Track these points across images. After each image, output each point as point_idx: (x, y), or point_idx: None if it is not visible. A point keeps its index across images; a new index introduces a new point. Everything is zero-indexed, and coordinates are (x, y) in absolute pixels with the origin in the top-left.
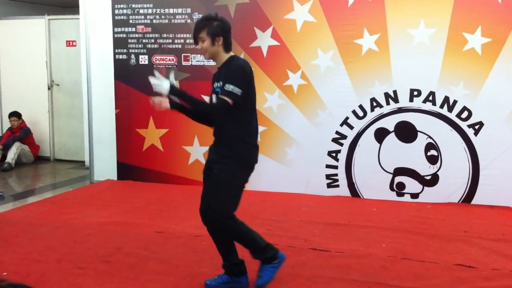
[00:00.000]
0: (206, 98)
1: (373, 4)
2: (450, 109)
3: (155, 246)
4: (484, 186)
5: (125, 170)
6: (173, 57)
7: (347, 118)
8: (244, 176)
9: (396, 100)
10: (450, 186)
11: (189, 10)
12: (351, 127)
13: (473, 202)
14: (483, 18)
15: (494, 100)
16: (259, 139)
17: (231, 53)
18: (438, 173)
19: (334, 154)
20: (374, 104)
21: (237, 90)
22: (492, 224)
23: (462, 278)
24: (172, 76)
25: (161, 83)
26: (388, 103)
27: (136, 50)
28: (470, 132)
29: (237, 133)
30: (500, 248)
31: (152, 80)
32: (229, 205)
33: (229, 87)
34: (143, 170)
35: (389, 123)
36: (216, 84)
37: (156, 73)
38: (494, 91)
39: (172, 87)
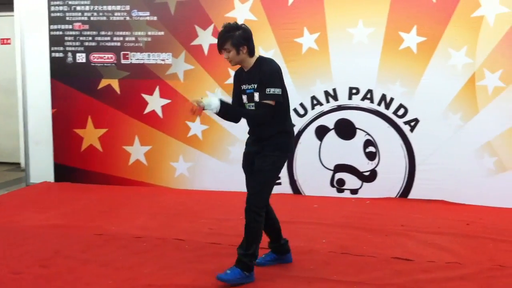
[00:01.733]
0: (147, 97)
1: (312, 3)
2: (387, 106)
3: (95, 248)
4: (420, 181)
5: (63, 171)
6: (111, 55)
7: None
8: (282, 167)
9: (335, 98)
10: (388, 182)
11: (128, 7)
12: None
13: (410, 196)
14: (418, 18)
15: (429, 97)
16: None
17: (256, 55)
18: (376, 169)
19: None
20: (315, 102)
21: (277, 91)
22: (428, 218)
23: (400, 271)
24: (218, 91)
25: (210, 101)
26: (328, 101)
27: (73, 48)
28: (406, 128)
29: (280, 126)
30: (436, 241)
31: (201, 101)
32: (268, 195)
33: (270, 90)
34: (81, 172)
35: (329, 120)
36: (246, 86)
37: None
38: (429, 88)
39: (222, 102)
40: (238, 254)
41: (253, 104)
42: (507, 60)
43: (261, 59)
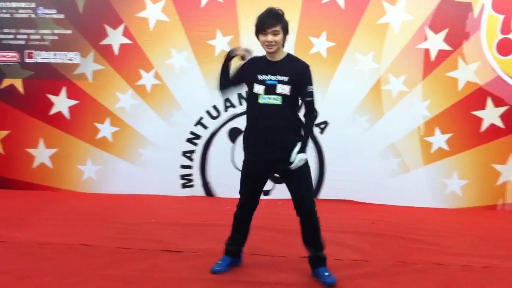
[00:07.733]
0: (53, 98)
1: (225, 6)
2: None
3: None
4: (329, 182)
5: None
6: (15, 54)
7: (201, 118)
8: None
9: None
10: None
11: (33, 4)
12: (205, 127)
13: (320, 196)
14: (328, 23)
15: (338, 101)
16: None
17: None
18: None
19: (188, 154)
20: (228, 104)
21: (313, 90)
22: (336, 217)
23: (308, 270)
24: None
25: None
26: (241, 103)
27: None
28: (316, 131)
29: (298, 123)
30: (343, 239)
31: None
32: None
33: (311, 88)
34: None
35: (242, 122)
36: (268, 77)
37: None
38: (338, 92)
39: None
40: (322, 255)
41: (275, 96)
42: (410, 65)
43: (291, 55)
